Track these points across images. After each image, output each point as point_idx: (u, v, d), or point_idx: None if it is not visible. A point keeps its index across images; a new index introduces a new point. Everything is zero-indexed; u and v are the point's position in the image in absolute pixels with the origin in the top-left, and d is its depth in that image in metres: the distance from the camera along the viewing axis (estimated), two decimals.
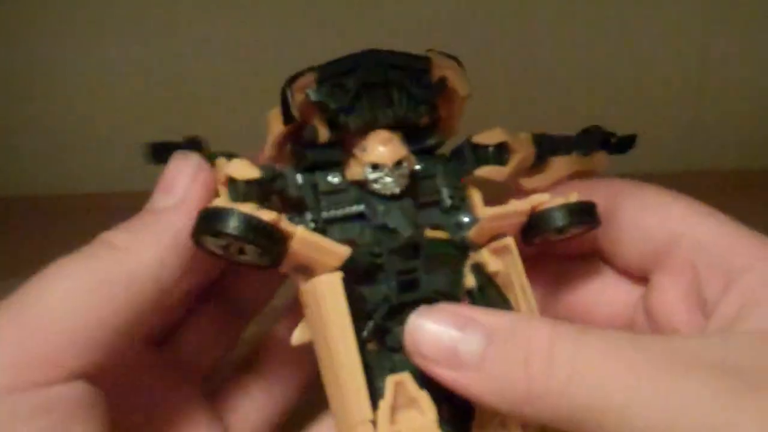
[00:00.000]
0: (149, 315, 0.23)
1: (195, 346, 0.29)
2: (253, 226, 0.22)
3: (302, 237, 0.23)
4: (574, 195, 0.26)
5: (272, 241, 0.23)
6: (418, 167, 0.26)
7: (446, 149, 0.28)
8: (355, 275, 0.24)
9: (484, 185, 0.27)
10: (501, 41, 0.51)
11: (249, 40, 0.50)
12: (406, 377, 0.23)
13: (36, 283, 0.22)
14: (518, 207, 0.26)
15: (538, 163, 0.28)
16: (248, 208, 0.22)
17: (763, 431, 0.19)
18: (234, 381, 0.30)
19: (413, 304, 0.23)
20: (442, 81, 0.26)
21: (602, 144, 0.29)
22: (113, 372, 0.23)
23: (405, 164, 0.25)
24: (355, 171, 0.25)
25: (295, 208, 0.25)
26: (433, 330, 0.22)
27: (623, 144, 0.29)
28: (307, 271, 0.24)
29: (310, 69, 0.24)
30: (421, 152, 0.27)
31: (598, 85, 0.54)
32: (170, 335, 0.29)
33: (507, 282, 0.26)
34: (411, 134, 0.26)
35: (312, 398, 0.29)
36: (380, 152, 0.25)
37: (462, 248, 0.26)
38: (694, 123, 0.56)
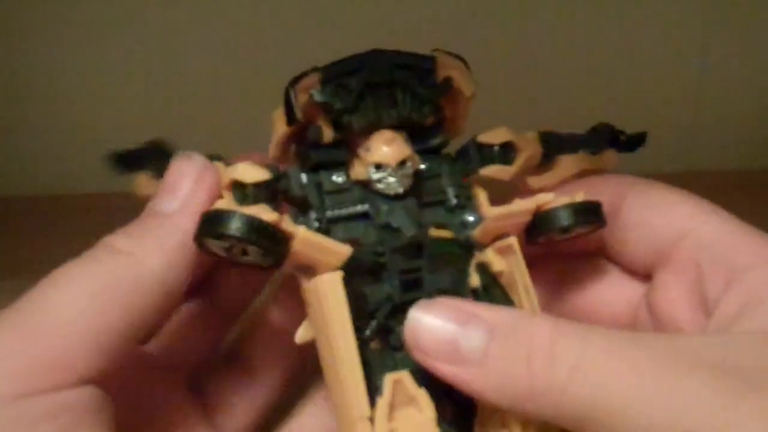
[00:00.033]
0: (153, 318, 0.23)
1: (180, 344, 0.29)
2: (255, 227, 0.22)
3: (304, 237, 0.23)
4: (580, 194, 0.26)
5: (274, 241, 0.23)
6: (423, 167, 0.26)
7: (452, 149, 0.28)
8: (359, 274, 0.24)
9: (490, 185, 0.27)
10: (501, 41, 0.51)
11: (249, 40, 0.50)
12: (404, 375, 0.23)
13: (41, 288, 0.22)
14: (523, 206, 0.26)
15: (545, 162, 0.28)
16: (253, 210, 0.23)
17: None
18: (219, 375, 0.30)
19: None
20: (447, 81, 0.26)
21: (611, 142, 0.29)
22: (116, 375, 0.23)
23: (409, 164, 0.25)
24: (359, 171, 0.25)
25: (299, 207, 0.25)
26: (434, 324, 0.22)
27: (633, 142, 0.29)
28: (310, 270, 0.24)
29: (314, 69, 0.24)
30: (427, 152, 0.27)
31: (598, 85, 0.54)
32: (153, 333, 0.29)
33: (510, 282, 0.26)
34: (416, 134, 0.26)
35: (295, 390, 0.30)
36: (384, 152, 0.25)
37: (467, 247, 0.26)
38: (694, 123, 0.56)
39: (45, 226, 0.48)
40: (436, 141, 0.27)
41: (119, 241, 0.23)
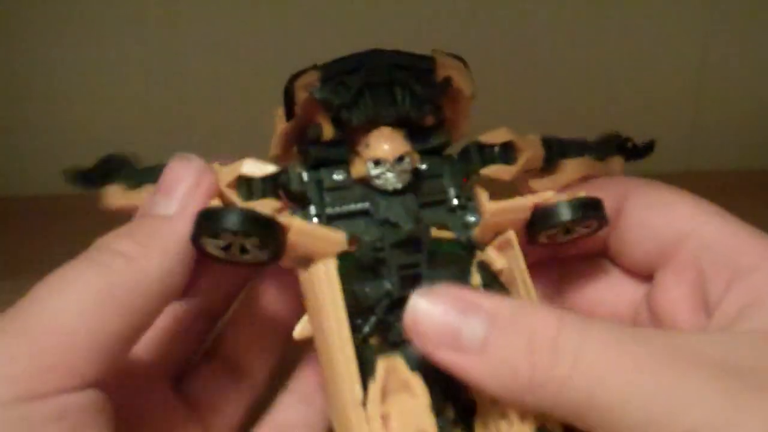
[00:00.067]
0: (151, 321, 0.23)
1: (164, 345, 0.29)
2: (250, 219, 0.22)
3: (299, 227, 0.23)
4: (580, 192, 0.26)
5: (271, 231, 0.23)
6: (423, 166, 0.26)
7: (454, 150, 0.28)
8: (359, 271, 0.24)
9: (492, 186, 0.27)
10: (501, 41, 0.51)
11: (249, 40, 0.50)
12: (398, 361, 0.23)
13: (41, 290, 0.22)
14: (521, 202, 0.26)
15: (548, 167, 0.28)
16: (251, 205, 0.23)
17: None
18: (203, 374, 0.29)
19: None
20: (447, 81, 0.26)
21: (619, 149, 0.29)
22: (114, 378, 0.22)
23: (407, 160, 0.25)
24: (359, 168, 0.26)
25: (298, 203, 0.25)
26: (435, 311, 0.22)
27: (640, 150, 0.29)
28: (308, 263, 0.24)
29: (314, 67, 0.25)
30: (428, 152, 0.27)
31: (598, 85, 0.54)
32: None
33: (510, 278, 0.26)
34: (417, 134, 0.26)
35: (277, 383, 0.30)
36: (382, 148, 0.25)
37: (469, 248, 0.26)
38: (694, 124, 0.56)
39: (45, 226, 0.48)
40: (437, 141, 0.27)
41: (118, 243, 0.23)
